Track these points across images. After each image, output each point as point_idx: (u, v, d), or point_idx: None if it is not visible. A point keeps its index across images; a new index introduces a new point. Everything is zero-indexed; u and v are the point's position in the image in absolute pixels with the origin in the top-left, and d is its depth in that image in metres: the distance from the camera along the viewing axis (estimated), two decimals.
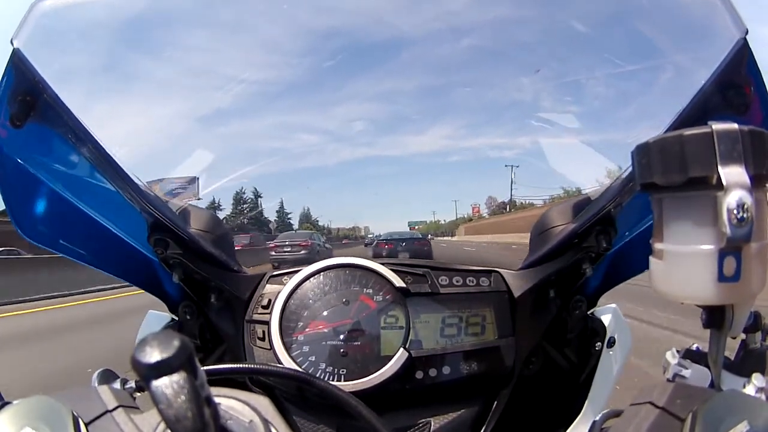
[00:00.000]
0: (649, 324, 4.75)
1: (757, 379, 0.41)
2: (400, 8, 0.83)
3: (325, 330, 0.61)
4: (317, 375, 0.58)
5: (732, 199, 0.31)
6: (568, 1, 0.71)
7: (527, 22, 0.77)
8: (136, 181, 0.59)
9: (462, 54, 0.89)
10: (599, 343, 0.65)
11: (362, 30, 0.85)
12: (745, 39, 0.48)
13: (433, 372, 0.60)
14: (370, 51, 0.90)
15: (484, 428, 0.61)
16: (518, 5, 0.77)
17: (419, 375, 0.60)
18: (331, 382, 0.51)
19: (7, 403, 0.33)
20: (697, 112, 0.51)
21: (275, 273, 0.68)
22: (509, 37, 0.81)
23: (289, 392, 0.59)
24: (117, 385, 0.53)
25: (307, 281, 0.65)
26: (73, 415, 0.32)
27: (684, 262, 0.34)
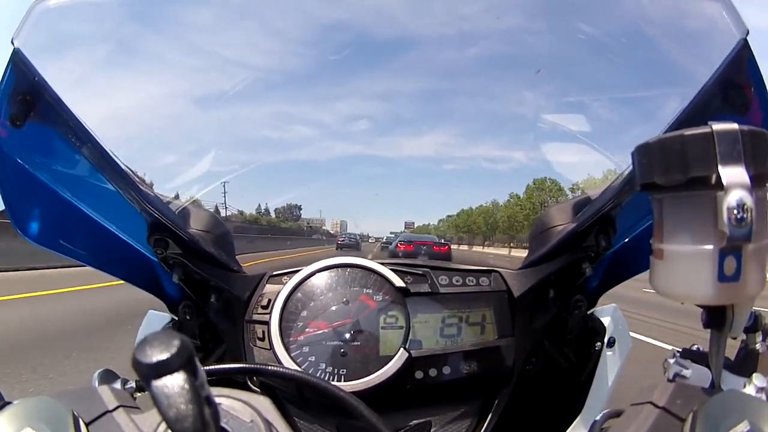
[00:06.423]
0: None
1: (757, 379, 0.41)
2: (411, 8, 0.83)
3: (325, 330, 0.61)
4: (317, 375, 0.58)
5: (732, 199, 0.30)
6: (580, 12, 0.70)
7: (538, 34, 0.77)
8: (136, 180, 0.59)
9: (467, 61, 0.89)
10: (599, 343, 0.65)
11: (371, 26, 0.85)
12: (745, 39, 0.49)
13: (433, 372, 0.60)
14: (376, 48, 0.89)
15: (484, 428, 0.61)
16: (531, 17, 0.76)
17: (419, 375, 0.60)
18: (331, 382, 0.51)
19: (8, 403, 0.33)
20: (698, 112, 0.51)
21: (275, 273, 0.68)
22: (517, 49, 0.80)
23: (290, 392, 0.59)
24: (117, 385, 0.53)
25: (307, 281, 0.65)
26: (74, 415, 0.32)
27: (684, 261, 0.34)
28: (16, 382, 2.88)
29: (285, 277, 0.67)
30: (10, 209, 0.58)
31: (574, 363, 0.68)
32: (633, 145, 0.37)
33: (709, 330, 0.39)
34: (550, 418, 0.67)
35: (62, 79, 0.54)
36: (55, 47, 0.59)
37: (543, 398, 0.70)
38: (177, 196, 0.77)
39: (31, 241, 0.61)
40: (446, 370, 0.61)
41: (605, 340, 0.65)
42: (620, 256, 0.69)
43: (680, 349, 0.53)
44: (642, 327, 5.33)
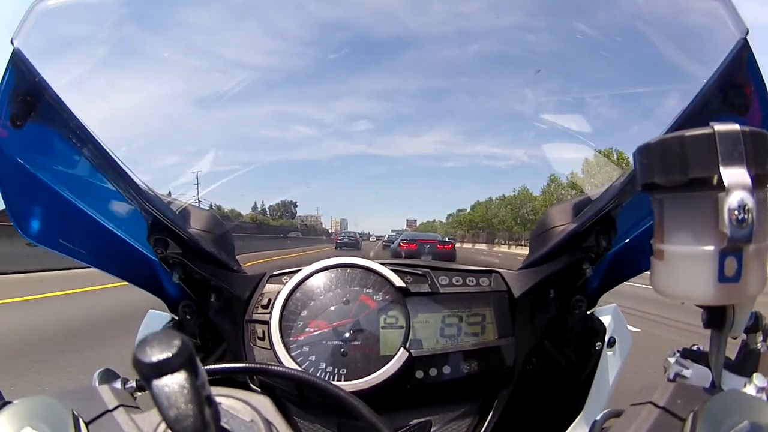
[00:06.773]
0: None
1: (758, 379, 0.41)
2: (410, 6, 0.82)
3: (325, 330, 0.61)
4: (317, 375, 0.58)
5: (733, 199, 0.30)
6: (579, 10, 0.70)
7: (537, 32, 0.76)
8: (137, 180, 0.59)
9: (467, 59, 0.88)
10: (599, 343, 0.65)
11: (370, 25, 0.85)
12: (745, 39, 0.48)
13: (433, 372, 0.60)
14: (375, 47, 0.89)
15: (484, 428, 0.61)
16: (531, 15, 0.76)
17: (419, 375, 0.60)
18: (331, 382, 0.51)
19: (8, 402, 0.33)
20: (698, 112, 0.51)
21: (275, 273, 0.68)
22: (517, 47, 0.80)
23: (290, 392, 0.59)
24: (118, 384, 0.53)
25: (307, 281, 0.65)
26: (74, 414, 0.32)
27: (685, 262, 0.34)
28: None
29: (285, 277, 0.67)
30: (10, 209, 0.58)
31: (575, 363, 0.68)
32: (632, 143, 0.37)
33: (709, 330, 0.39)
34: (550, 418, 0.67)
35: (62, 79, 0.53)
36: (55, 48, 0.58)
37: (543, 398, 0.70)
38: (176, 197, 0.77)
39: (32, 241, 0.61)
40: (446, 369, 0.61)
41: (605, 339, 0.65)
42: (621, 257, 0.69)
43: (680, 349, 0.53)
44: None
